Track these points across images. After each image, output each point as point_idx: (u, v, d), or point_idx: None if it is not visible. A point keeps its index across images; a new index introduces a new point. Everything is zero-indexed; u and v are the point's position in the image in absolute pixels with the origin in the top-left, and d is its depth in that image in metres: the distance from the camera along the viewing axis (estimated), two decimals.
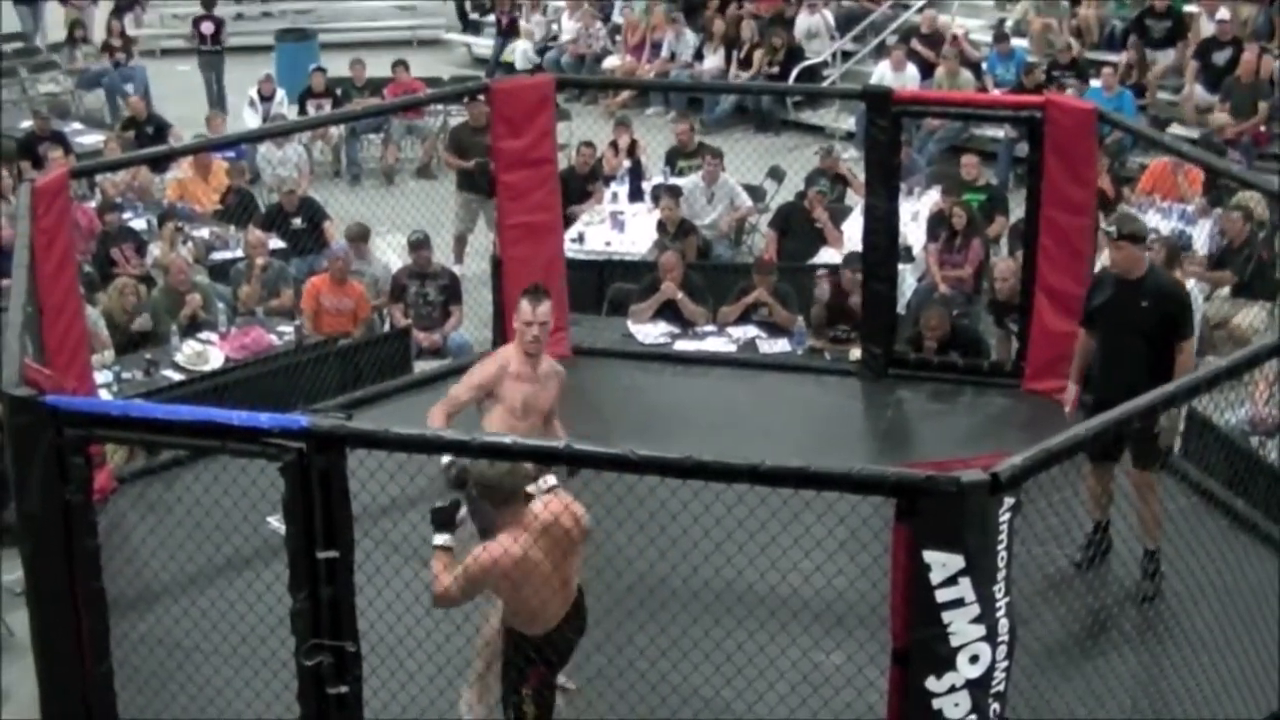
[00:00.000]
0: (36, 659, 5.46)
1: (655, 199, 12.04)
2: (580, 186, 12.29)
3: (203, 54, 17.38)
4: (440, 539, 5.32)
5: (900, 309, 9.93)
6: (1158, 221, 11.31)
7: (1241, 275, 10.33)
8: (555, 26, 18.49)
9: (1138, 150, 13.26)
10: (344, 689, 5.04)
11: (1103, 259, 7.95)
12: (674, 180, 12.57)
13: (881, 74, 15.16)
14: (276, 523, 6.04)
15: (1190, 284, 10.26)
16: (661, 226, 11.57)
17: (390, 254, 11.36)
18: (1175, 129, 13.57)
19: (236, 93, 15.82)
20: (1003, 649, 4.60)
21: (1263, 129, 13.66)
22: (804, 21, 17.04)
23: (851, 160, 13.02)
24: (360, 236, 11.00)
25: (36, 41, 18.34)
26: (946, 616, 4.43)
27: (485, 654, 5.97)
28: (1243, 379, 7.47)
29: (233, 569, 6.75)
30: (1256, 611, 6.13)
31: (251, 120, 14.97)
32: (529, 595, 5.27)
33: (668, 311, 10.07)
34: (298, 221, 11.75)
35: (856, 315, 9.55)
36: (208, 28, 17.39)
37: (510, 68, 17.91)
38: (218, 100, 16.86)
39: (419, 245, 10.63)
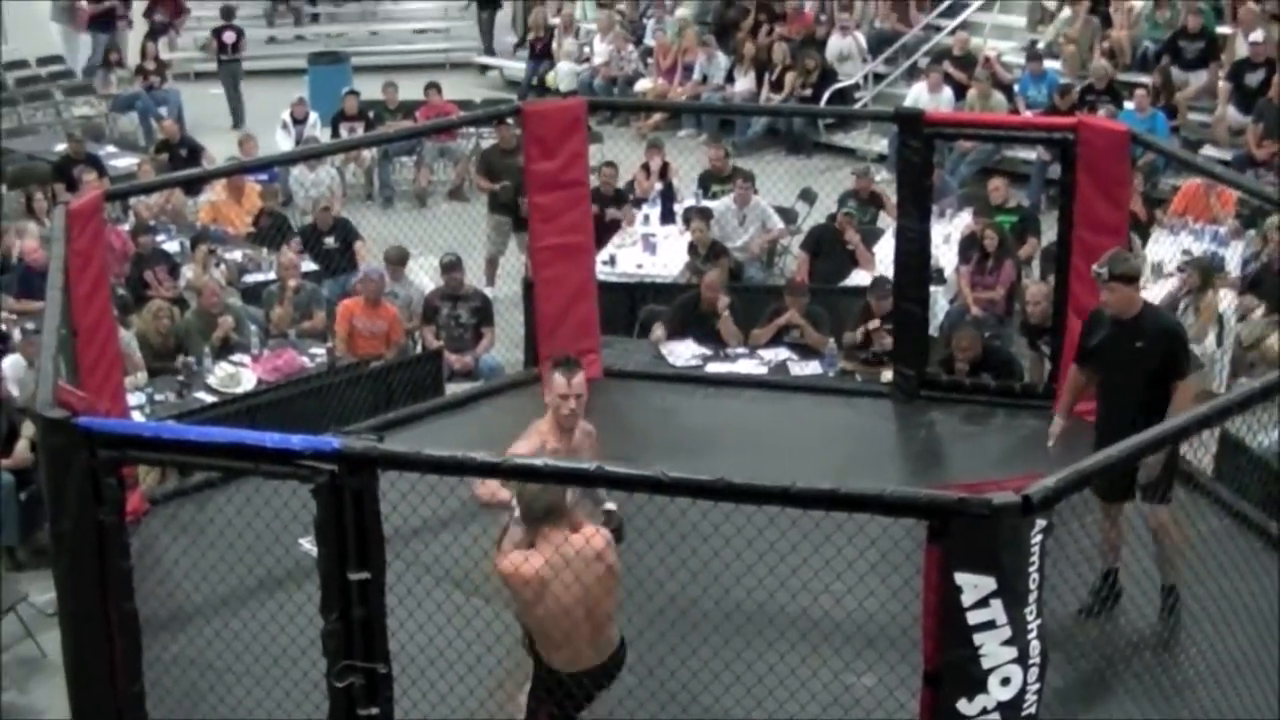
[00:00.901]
0: (68, 680, 5.47)
1: (687, 221, 12.05)
2: (603, 207, 12.29)
3: (223, 63, 17.84)
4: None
5: (932, 331, 9.90)
6: (1190, 243, 11.27)
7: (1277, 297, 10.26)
8: (587, 49, 18.56)
9: (1170, 172, 13.21)
10: (375, 710, 5.03)
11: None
12: (706, 203, 12.57)
13: (917, 96, 15.16)
14: (308, 544, 6.04)
15: (1223, 305, 10.25)
16: (693, 249, 11.58)
17: (423, 276, 11.38)
18: (1208, 150, 13.51)
19: (269, 116, 15.92)
20: (1034, 671, 4.57)
21: None
22: (836, 44, 17.06)
23: (884, 182, 12.99)
24: (399, 260, 11.03)
25: (70, 64, 18.52)
26: (978, 638, 4.41)
27: (518, 675, 5.93)
28: (1275, 400, 7.40)
29: (265, 590, 6.75)
30: None
31: (284, 143, 15.06)
32: (544, 619, 5.26)
33: (700, 331, 10.07)
34: (331, 241, 11.79)
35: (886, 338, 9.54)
36: (229, 37, 17.92)
37: (543, 89, 17.98)
38: (235, 109, 17.10)
39: (451, 267, 10.66)
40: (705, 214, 11.90)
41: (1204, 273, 10.21)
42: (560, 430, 6.11)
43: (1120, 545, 6.74)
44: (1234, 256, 11.11)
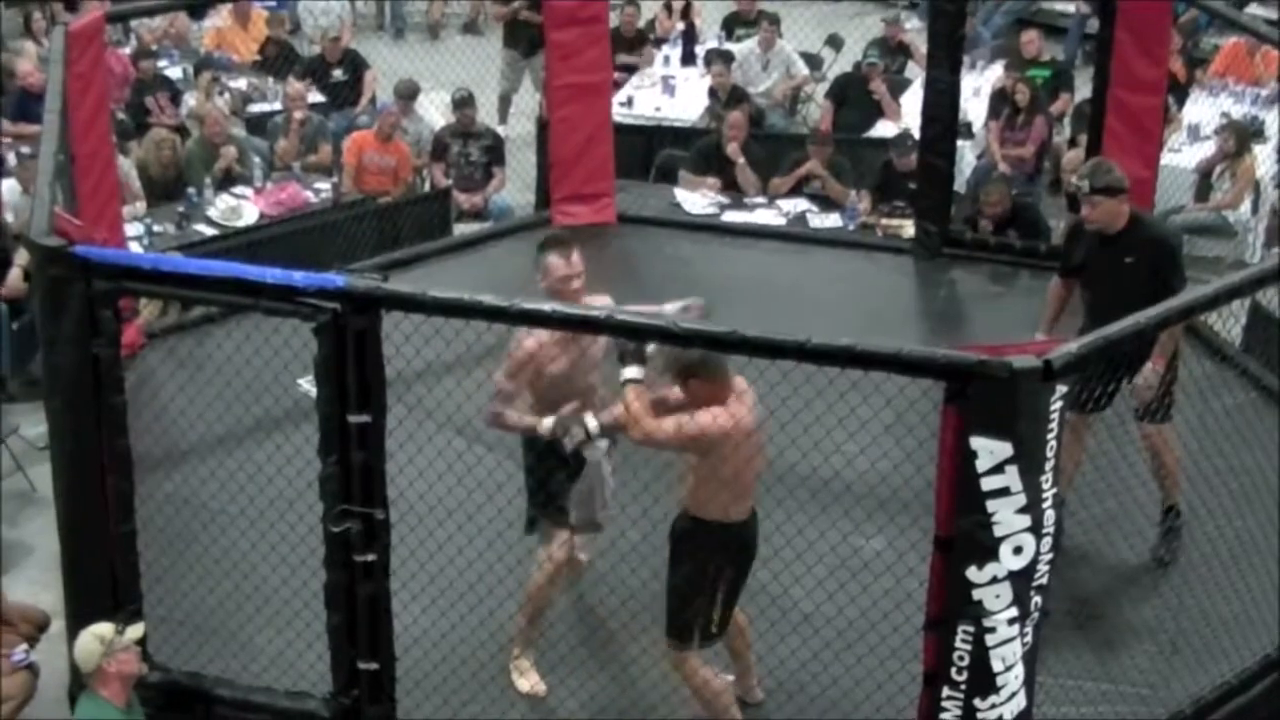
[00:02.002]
0: (59, 516, 5.44)
1: (708, 64, 11.77)
2: (624, 49, 11.96)
3: None
4: (631, 372, 5.06)
5: (958, 187, 9.68)
6: (1230, 105, 10.99)
7: None
8: None
9: (1213, 30, 12.83)
10: (372, 556, 5.01)
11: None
12: (728, 46, 12.28)
13: None
14: (308, 385, 5.95)
15: (1260, 171, 9.99)
16: (713, 93, 11.32)
17: (433, 112, 11.16)
18: (1254, 8, 13.10)
19: None
20: (1047, 541, 4.50)
21: None
22: None
23: (914, 31, 12.65)
24: (410, 94, 10.77)
25: None
26: (992, 505, 4.32)
27: (528, 608, 5.71)
28: None
29: (262, 431, 6.67)
30: None
31: None
32: (741, 468, 5.02)
33: (720, 176, 9.85)
34: (339, 73, 11.51)
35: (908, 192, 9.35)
36: None
37: None
38: None
39: (463, 104, 10.42)
40: (727, 58, 11.63)
41: (1240, 136, 9.93)
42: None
43: (1075, 469, 6.27)
44: (1275, 120, 10.81)
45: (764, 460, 5.24)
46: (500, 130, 11.27)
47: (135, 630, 5.03)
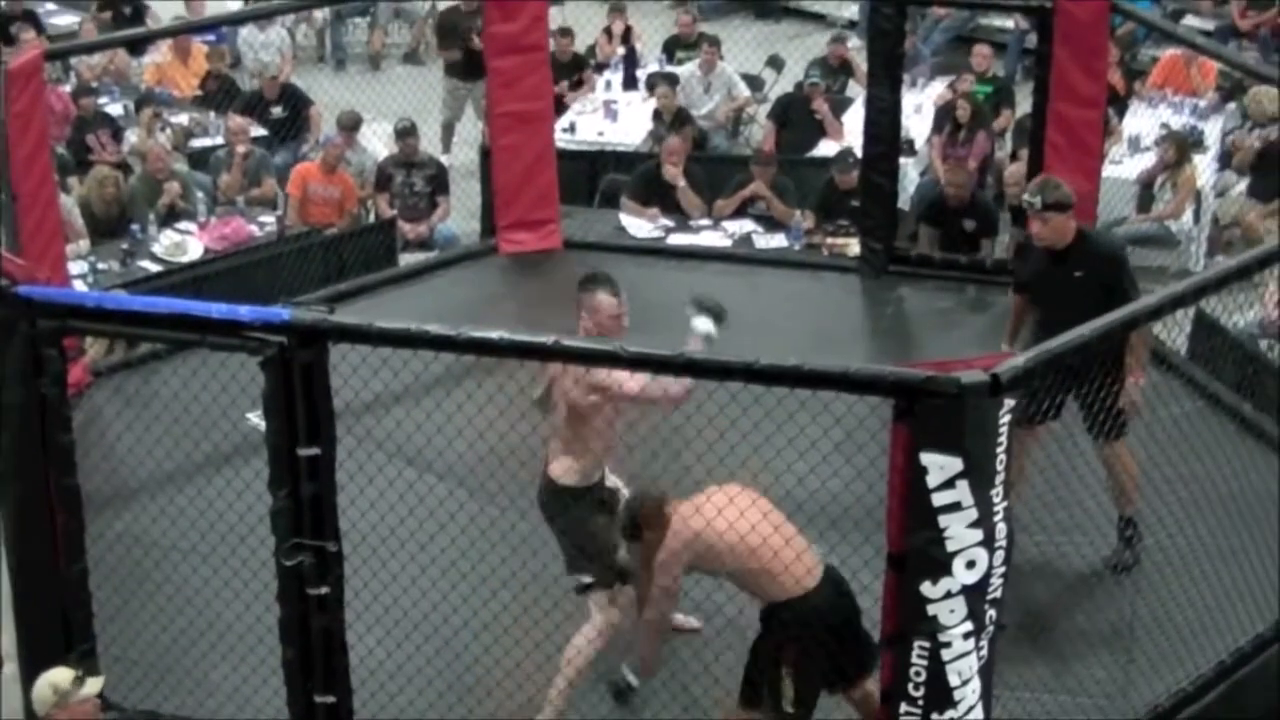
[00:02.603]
0: (8, 556, 5.39)
1: (650, 88, 11.80)
2: (564, 76, 11.98)
3: None
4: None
5: (902, 204, 9.73)
6: (1169, 116, 11.12)
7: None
8: None
9: (1150, 42, 12.98)
10: (325, 590, 4.96)
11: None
12: (670, 69, 12.31)
13: None
14: (256, 419, 5.91)
15: (1200, 181, 10.10)
16: (658, 115, 11.36)
17: (376, 143, 11.14)
18: (1189, 20, 13.26)
19: None
20: (1000, 554, 4.52)
21: None
22: None
23: (854, 49, 12.73)
24: (353, 125, 10.76)
25: None
26: (943, 520, 4.34)
27: (569, 672, 5.52)
28: (1252, 280, 7.29)
29: (211, 466, 6.63)
30: (1263, 517, 6.02)
31: (233, 3, 14.61)
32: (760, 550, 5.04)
33: (661, 201, 9.87)
34: (278, 110, 11.48)
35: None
36: None
37: None
38: None
39: (406, 133, 10.41)
40: (671, 80, 11.66)
41: (1180, 147, 10.04)
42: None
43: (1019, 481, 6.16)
44: (1214, 130, 10.94)
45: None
46: (444, 159, 11.26)
47: (94, 684, 4.85)
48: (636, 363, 4.63)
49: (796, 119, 11.36)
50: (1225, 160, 10.58)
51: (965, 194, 9.35)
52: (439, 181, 10.48)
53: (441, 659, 5.71)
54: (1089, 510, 6.28)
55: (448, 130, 12.15)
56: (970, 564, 4.39)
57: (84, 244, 9.30)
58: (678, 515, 5.13)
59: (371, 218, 10.38)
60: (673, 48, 12.86)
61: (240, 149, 10.38)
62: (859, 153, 9.31)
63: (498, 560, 5.56)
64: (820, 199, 9.79)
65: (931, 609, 4.39)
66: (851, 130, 10.59)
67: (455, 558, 5.74)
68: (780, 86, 12.63)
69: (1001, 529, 4.47)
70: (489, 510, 5.98)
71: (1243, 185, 10.40)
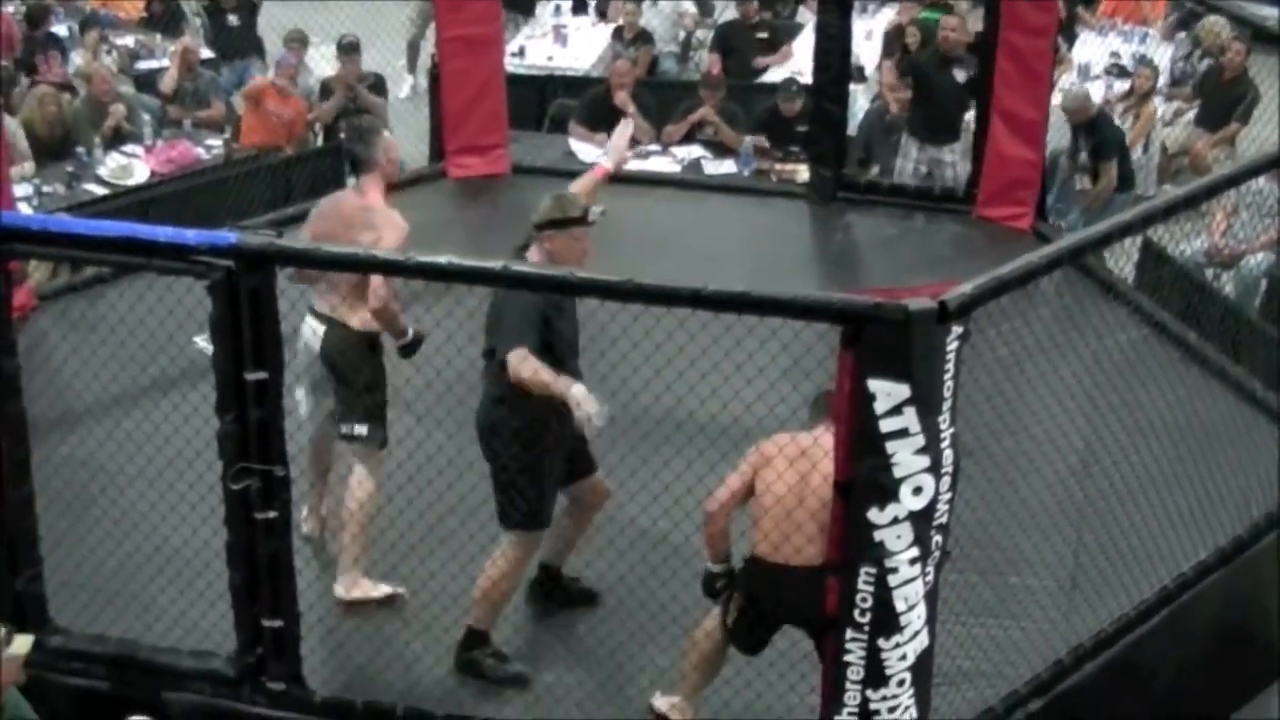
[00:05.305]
0: None
1: (601, 13, 11.70)
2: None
3: None
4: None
5: (851, 131, 9.71)
6: (1119, 45, 11.13)
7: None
8: None
9: None
10: (273, 514, 4.97)
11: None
12: None
13: None
14: (204, 343, 5.87)
15: (1153, 107, 10.15)
16: (619, 32, 11.27)
17: (323, 64, 11.00)
18: None
19: None
20: (946, 480, 4.54)
21: None
22: None
23: None
24: (302, 40, 10.63)
25: None
26: (890, 447, 4.37)
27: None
28: (1199, 209, 7.33)
29: (158, 390, 6.57)
30: (1206, 445, 6.07)
31: None
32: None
33: (610, 126, 9.80)
34: (234, 19, 11.34)
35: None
36: None
37: None
38: None
39: (349, 49, 10.27)
40: None
41: (1154, 77, 10.13)
42: None
43: None
44: (1164, 59, 10.96)
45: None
46: (410, 79, 11.12)
47: (22, 643, 4.72)
48: (583, 288, 4.63)
49: (738, 45, 11.30)
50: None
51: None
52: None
53: (389, 583, 5.72)
54: (1036, 438, 6.33)
55: (413, 49, 12.02)
56: (917, 490, 4.43)
57: (29, 166, 9.19)
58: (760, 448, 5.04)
59: (319, 142, 10.28)
60: None
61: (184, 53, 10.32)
62: (809, 79, 9.29)
63: (444, 485, 5.55)
64: (760, 124, 9.76)
65: (878, 535, 4.43)
66: (802, 56, 10.56)
67: (402, 483, 5.74)
68: (730, 11, 12.55)
69: (948, 456, 4.50)
70: (436, 435, 5.96)
71: (1191, 114, 10.44)
